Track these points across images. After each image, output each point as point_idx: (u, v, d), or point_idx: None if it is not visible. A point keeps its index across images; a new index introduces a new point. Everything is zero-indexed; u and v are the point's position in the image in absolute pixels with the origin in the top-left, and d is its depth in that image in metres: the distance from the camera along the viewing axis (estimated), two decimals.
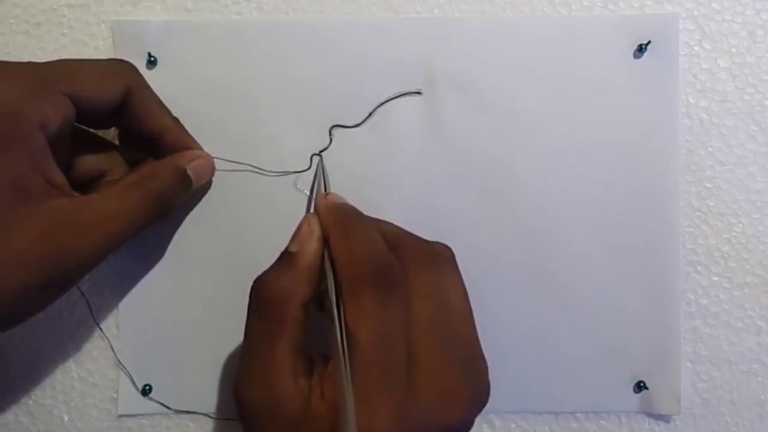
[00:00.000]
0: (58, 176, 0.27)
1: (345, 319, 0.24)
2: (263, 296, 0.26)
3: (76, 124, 0.29)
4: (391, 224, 0.29)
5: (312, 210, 0.32)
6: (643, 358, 0.34)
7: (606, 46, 0.34)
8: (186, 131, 0.32)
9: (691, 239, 0.34)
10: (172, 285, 0.34)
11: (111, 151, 0.32)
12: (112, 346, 0.34)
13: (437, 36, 0.34)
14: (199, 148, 0.33)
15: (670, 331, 0.34)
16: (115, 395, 0.34)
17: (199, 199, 0.34)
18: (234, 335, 0.34)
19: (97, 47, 0.35)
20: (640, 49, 0.34)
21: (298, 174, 0.34)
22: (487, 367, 0.28)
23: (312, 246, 0.27)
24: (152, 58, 0.34)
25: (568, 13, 0.34)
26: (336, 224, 0.27)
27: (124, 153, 0.32)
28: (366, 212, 0.33)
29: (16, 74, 0.26)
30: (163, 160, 0.31)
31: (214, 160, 0.33)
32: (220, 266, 0.34)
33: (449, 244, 0.34)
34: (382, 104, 0.34)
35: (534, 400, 0.34)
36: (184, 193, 0.31)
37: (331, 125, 0.34)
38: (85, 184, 0.31)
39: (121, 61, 0.30)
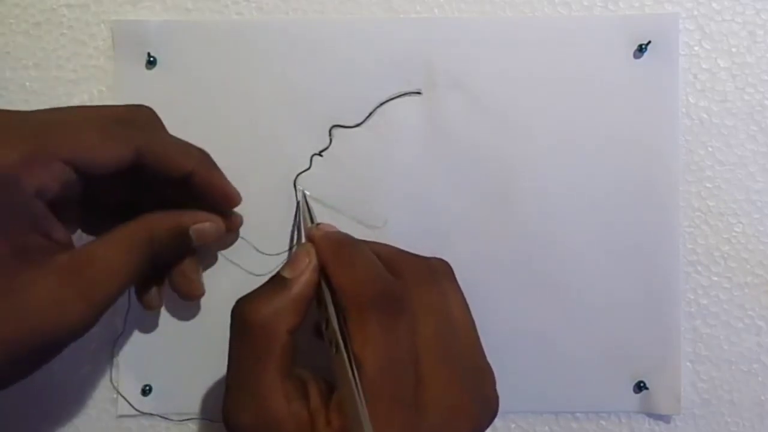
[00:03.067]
0: (60, 233, 0.26)
1: (351, 347, 0.24)
2: (250, 319, 0.26)
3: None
4: (386, 245, 0.29)
5: (304, 239, 0.32)
6: (643, 358, 0.34)
7: (606, 46, 0.34)
8: (214, 169, 0.31)
9: (691, 239, 0.34)
10: None
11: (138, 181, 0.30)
12: (111, 347, 0.34)
13: (437, 36, 0.34)
14: (227, 185, 0.31)
15: (670, 331, 0.34)
16: (115, 396, 0.34)
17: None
18: None
19: (96, 47, 0.35)
20: (640, 49, 0.34)
21: (298, 174, 0.34)
22: (494, 379, 0.28)
23: (307, 275, 0.27)
24: (152, 58, 0.34)
25: (568, 13, 0.34)
26: (334, 253, 0.27)
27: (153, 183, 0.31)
28: (366, 212, 0.34)
29: (10, 138, 0.25)
30: (169, 214, 0.29)
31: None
32: (220, 265, 0.34)
33: (449, 244, 0.34)
34: (381, 104, 0.34)
35: (534, 400, 0.34)
36: (183, 250, 0.30)
37: (331, 125, 0.34)
38: (114, 213, 0.30)
39: (132, 111, 0.29)
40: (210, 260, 0.34)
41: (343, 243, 0.28)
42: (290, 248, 0.33)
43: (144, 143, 0.27)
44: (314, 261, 0.27)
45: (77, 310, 0.25)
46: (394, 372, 0.24)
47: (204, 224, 0.30)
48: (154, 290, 0.32)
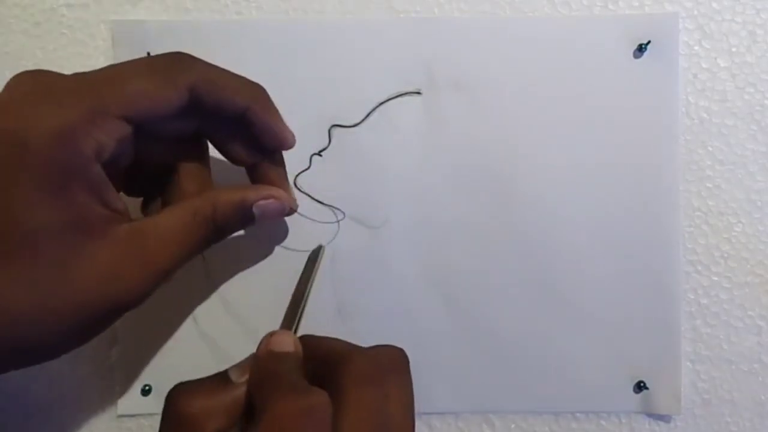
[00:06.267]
0: (118, 202, 0.26)
1: None
2: (180, 410, 0.24)
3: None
4: (335, 341, 0.28)
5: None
6: (643, 358, 0.34)
7: (606, 46, 0.34)
8: (269, 105, 0.29)
9: (691, 239, 0.34)
10: (172, 285, 0.34)
11: (181, 142, 0.29)
12: (112, 346, 0.34)
13: (437, 36, 0.34)
14: (282, 125, 0.30)
15: (670, 331, 0.34)
16: (115, 395, 0.34)
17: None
18: (233, 335, 0.34)
19: (96, 47, 0.35)
20: (640, 49, 0.34)
21: (298, 174, 0.34)
22: None
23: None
24: None
25: (568, 13, 0.34)
26: (255, 385, 0.25)
27: (197, 142, 0.30)
28: (365, 212, 0.34)
29: (66, 97, 0.24)
30: (234, 189, 0.29)
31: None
32: (220, 266, 0.34)
33: (448, 244, 0.34)
34: (381, 104, 0.34)
35: (534, 400, 0.34)
36: (244, 227, 0.30)
37: (330, 125, 0.34)
38: (156, 179, 0.30)
39: (177, 55, 0.28)
40: (209, 260, 0.34)
41: (264, 374, 0.26)
42: (294, 305, 0.32)
43: (197, 80, 0.27)
44: None
45: (135, 281, 0.25)
46: None
47: (268, 201, 0.29)
48: None
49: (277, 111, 0.30)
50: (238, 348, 0.34)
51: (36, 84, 0.25)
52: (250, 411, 0.25)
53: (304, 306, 0.31)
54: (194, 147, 0.30)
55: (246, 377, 0.26)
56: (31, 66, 0.35)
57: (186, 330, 0.34)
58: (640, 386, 0.34)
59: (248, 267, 0.34)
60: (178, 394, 0.25)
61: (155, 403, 0.34)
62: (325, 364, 0.26)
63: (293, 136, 0.30)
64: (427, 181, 0.34)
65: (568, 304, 0.34)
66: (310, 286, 0.32)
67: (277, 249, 0.34)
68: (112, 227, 0.25)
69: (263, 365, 0.26)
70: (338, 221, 0.34)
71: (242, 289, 0.34)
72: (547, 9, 0.34)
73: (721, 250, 0.34)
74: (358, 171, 0.34)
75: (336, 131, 0.34)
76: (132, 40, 0.34)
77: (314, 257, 0.33)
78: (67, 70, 0.34)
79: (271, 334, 0.27)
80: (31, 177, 0.23)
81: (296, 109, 0.34)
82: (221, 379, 0.26)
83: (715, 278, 0.34)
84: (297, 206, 0.32)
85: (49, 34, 0.35)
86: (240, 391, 0.25)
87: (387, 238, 0.34)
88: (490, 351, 0.34)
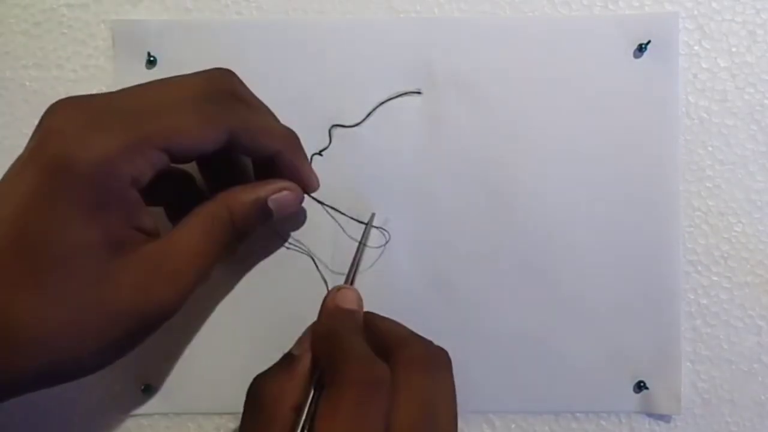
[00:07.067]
0: (150, 223, 0.27)
1: (317, 419, 0.24)
2: (256, 396, 0.26)
3: None
4: (397, 325, 0.29)
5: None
6: (643, 358, 0.34)
7: (606, 46, 0.34)
8: (299, 151, 0.30)
9: (691, 239, 0.34)
10: None
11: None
12: None
13: (437, 36, 0.34)
14: (308, 170, 0.31)
15: (670, 331, 0.34)
16: (115, 395, 0.34)
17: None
18: (234, 335, 0.34)
19: (96, 47, 0.35)
20: (640, 49, 0.34)
21: None
22: None
23: (311, 352, 0.27)
24: (152, 58, 0.34)
25: (568, 12, 0.34)
26: (324, 338, 0.27)
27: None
28: (365, 213, 0.34)
29: (112, 126, 0.25)
30: (246, 188, 0.29)
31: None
32: (222, 265, 0.34)
33: (449, 244, 0.34)
34: (382, 104, 0.34)
35: (534, 400, 0.34)
36: (263, 223, 0.30)
37: (330, 125, 0.34)
38: (178, 190, 0.31)
39: (215, 82, 0.28)
40: None
41: (332, 331, 0.27)
42: (352, 264, 0.33)
43: (237, 124, 0.27)
44: None
45: (164, 296, 0.26)
46: None
47: (281, 193, 0.30)
48: None
49: (306, 157, 0.31)
50: (239, 347, 0.34)
51: (82, 110, 0.25)
52: (317, 372, 0.27)
53: (357, 266, 0.33)
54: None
55: (306, 347, 0.27)
56: (31, 66, 0.35)
57: (186, 330, 0.34)
58: (640, 386, 0.34)
59: (252, 267, 0.34)
60: (255, 384, 0.27)
61: (155, 403, 0.34)
62: (383, 343, 0.27)
63: (318, 180, 0.32)
64: (427, 180, 0.34)
65: (568, 304, 0.34)
66: (362, 248, 0.33)
67: (281, 250, 0.34)
68: (138, 247, 0.26)
69: (330, 320, 0.28)
70: (352, 219, 0.34)
71: (243, 289, 0.34)
72: (547, 9, 0.34)
73: (721, 250, 0.34)
74: (358, 171, 0.34)
75: (336, 131, 0.34)
76: (132, 40, 0.34)
77: (370, 222, 0.34)
78: (67, 70, 0.35)
79: (338, 288, 0.30)
80: (71, 199, 0.24)
81: (296, 109, 0.34)
82: (287, 357, 0.28)
83: (715, 278, 0.34)
84: (318, 185, 0.32)
85: (49, 34, 0.35)
86: (304, 363, 0.27)
87: (387, 238, 0.34)
88: (490, 351, 0.34)
